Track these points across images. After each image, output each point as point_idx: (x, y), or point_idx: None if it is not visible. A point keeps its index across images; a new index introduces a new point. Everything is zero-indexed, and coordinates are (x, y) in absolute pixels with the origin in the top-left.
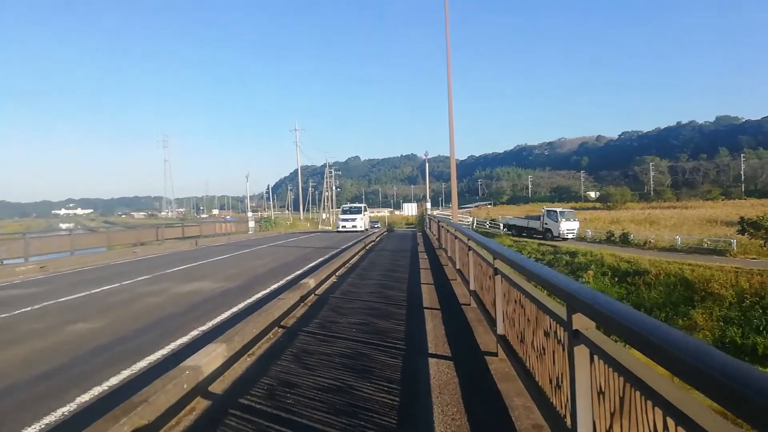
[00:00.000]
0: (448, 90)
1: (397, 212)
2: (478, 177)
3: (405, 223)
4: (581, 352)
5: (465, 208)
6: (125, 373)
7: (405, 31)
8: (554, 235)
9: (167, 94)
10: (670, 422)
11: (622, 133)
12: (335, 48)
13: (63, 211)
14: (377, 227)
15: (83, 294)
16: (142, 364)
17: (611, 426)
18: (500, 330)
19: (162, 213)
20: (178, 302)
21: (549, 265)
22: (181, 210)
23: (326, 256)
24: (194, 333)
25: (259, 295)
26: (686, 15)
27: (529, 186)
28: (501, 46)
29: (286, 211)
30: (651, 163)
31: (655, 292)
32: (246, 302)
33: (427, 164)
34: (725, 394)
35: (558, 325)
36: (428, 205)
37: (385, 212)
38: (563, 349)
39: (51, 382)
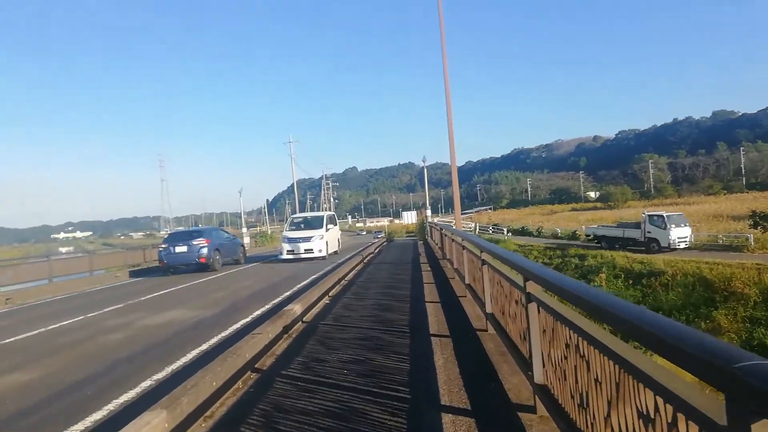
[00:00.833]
0: (446, 95)
1: (396, 221)
2: (477, 182)
3: (405, 232)
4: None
5: (465, 213)
6: None
7: (398, 38)
8: (662, 245)
9: (163, 113)
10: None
11: (619, 132)
12: (330, 59)
13: (62, 235)
14: (380, 236)
15: (35, 332)
16: None
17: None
18: (538, 378)
19: (161, 232)
20: (141, 339)
21: (557, 269)
22: (179, 229)
23: (319, 274)
24: (145, 384)
25: (238, 325)
26: (677, 11)
27: (529, 189)
28: (493, 51)
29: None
30: (650, 161)
31: (673, 294)
32: (221, 335)
33: (425, 171)
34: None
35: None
36: (428, 212)
37: (384, 221)
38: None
39: None
